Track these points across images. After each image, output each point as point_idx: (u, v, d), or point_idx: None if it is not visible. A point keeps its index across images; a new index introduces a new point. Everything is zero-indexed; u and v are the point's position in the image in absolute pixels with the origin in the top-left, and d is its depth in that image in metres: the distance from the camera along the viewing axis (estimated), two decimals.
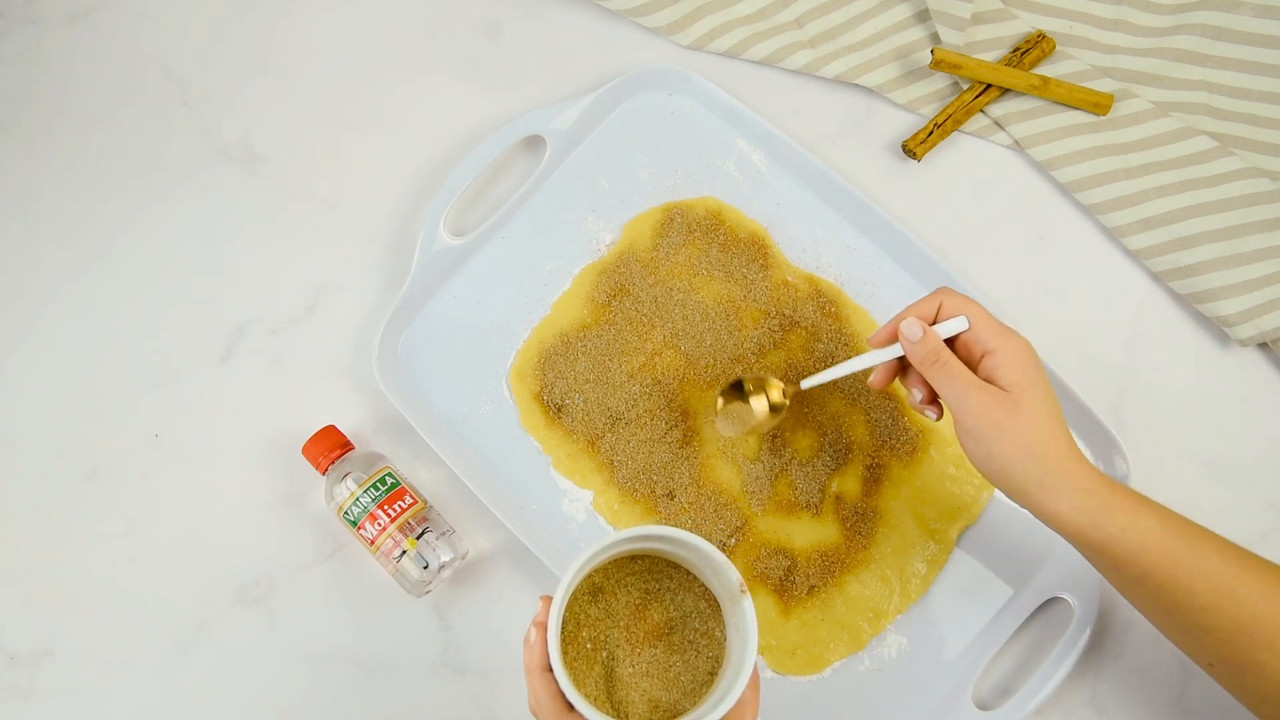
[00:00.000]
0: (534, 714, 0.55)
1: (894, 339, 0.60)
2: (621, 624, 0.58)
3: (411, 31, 0.82)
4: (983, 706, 0.68)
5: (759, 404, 0.68)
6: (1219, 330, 0.75)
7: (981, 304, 0.59)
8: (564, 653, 0.55)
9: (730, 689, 0.53)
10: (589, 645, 0.57)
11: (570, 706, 0.53)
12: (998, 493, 0.71)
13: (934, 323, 0.60)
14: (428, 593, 0.69)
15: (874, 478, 0.71)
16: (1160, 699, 0.69)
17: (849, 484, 0.71)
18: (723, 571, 0.55)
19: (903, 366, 0.63)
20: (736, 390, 0.69)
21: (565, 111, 0.77)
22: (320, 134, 0.80)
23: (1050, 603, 0.70)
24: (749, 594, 0.55)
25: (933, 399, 0.62)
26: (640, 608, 0.58)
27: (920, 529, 0.71)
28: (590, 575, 0.58)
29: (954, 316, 0.59)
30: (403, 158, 0.80)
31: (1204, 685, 0.69)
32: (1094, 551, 0.57)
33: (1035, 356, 0.58)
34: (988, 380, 0.57)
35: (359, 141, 0.80)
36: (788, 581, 0.70)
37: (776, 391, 0.68)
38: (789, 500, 0.71)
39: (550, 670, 0.53)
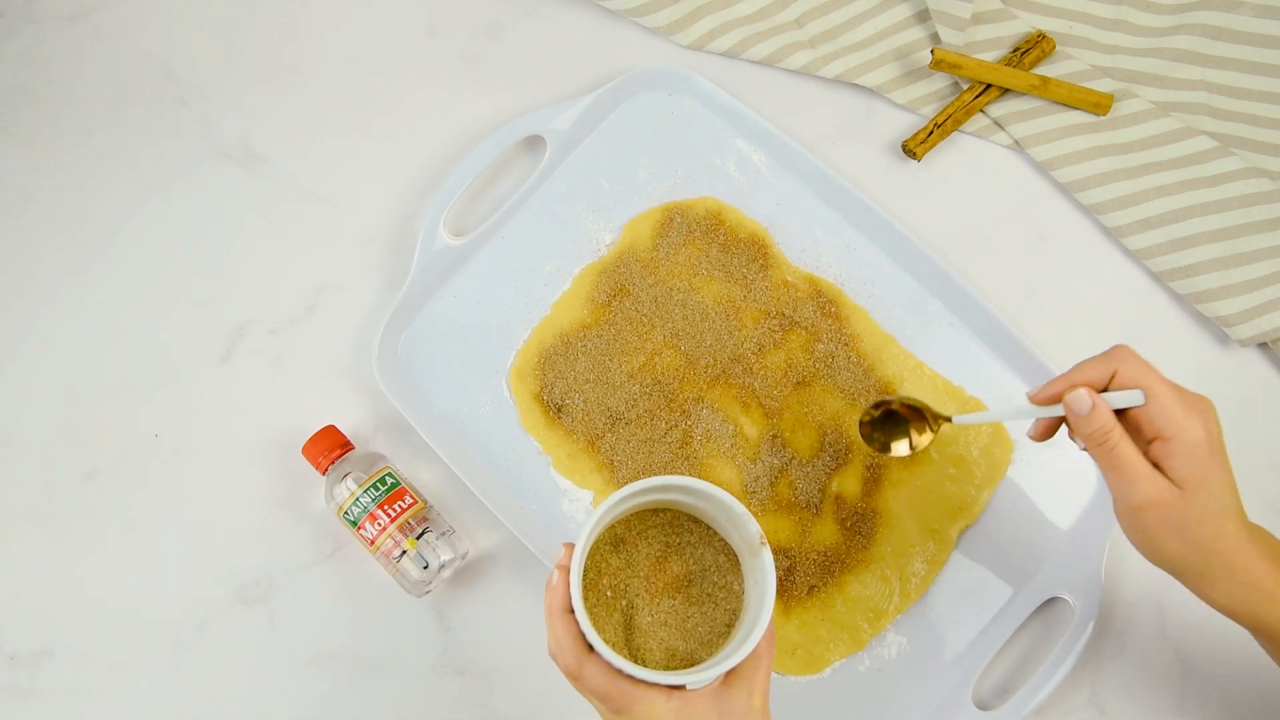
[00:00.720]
0: (553, 657, 0.55)
1: (1058, 400, 0.55)
2: (641, 574, 0.58)
3: (412, 31, 0.82)
4: (983, 706, 0.68)
5: (900, 447, 0.67)
6: (1219, 330, 0.75)
7: (1162, 374, 0.54)
8: (584, 598, 0.56)
9: (747, 639, 0.53)
10: (609, 593, 0.58)
11: (589, 649, 0.53)
12: (998, 493, 0.71)
13: (1106, 389, 0.54)
14: (428, 593, 0.69)
15: (874, 478, 0.71)
16: (1160, 699, 0.69)
17: (849, 484, 0.71)
18: (742, 524, 0.56)
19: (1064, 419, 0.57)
20: (886, 418, 0.67)
21: (565, 111, 0.77)
22: (320, 134, 0.80)
23: (1050, 603, 0.70)
24: (768, 546, 0.55)
25: (1050, 432, 0.58)
26: (660, 559, 0.59)
27: (920, 529, 0.71)
28: (612, 526, 0.59)
29: (1130, 387, 0.53)
30: (403, 157, 0.80)
31: (1204, 685, 0.69)
32: (1256, 633, 0.56)
33: (1216, 440, 0.53)
34: (1157, 464, 0.53)
35: (359, 141, 0.80)
36: (788, 581, 0.70)
37: (922, 436, 0.66)
38: (789, 500, 0.71)
39: (571, 612, 0.53)
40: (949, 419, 0.64)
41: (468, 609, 0.71)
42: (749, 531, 0.56)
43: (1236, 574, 0.54)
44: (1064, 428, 0.57)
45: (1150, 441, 0.53)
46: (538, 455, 0.72)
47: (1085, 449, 0.55)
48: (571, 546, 0.54)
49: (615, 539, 0.59)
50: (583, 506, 0.72)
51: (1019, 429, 0.72)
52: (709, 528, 0.60)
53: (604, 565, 0.58)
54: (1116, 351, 0.54)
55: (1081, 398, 0.53)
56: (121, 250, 0.78)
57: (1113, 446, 0.53)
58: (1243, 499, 0.72)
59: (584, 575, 0.56)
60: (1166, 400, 0.52)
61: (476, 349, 0.75)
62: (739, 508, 0.55)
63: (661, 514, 0.60)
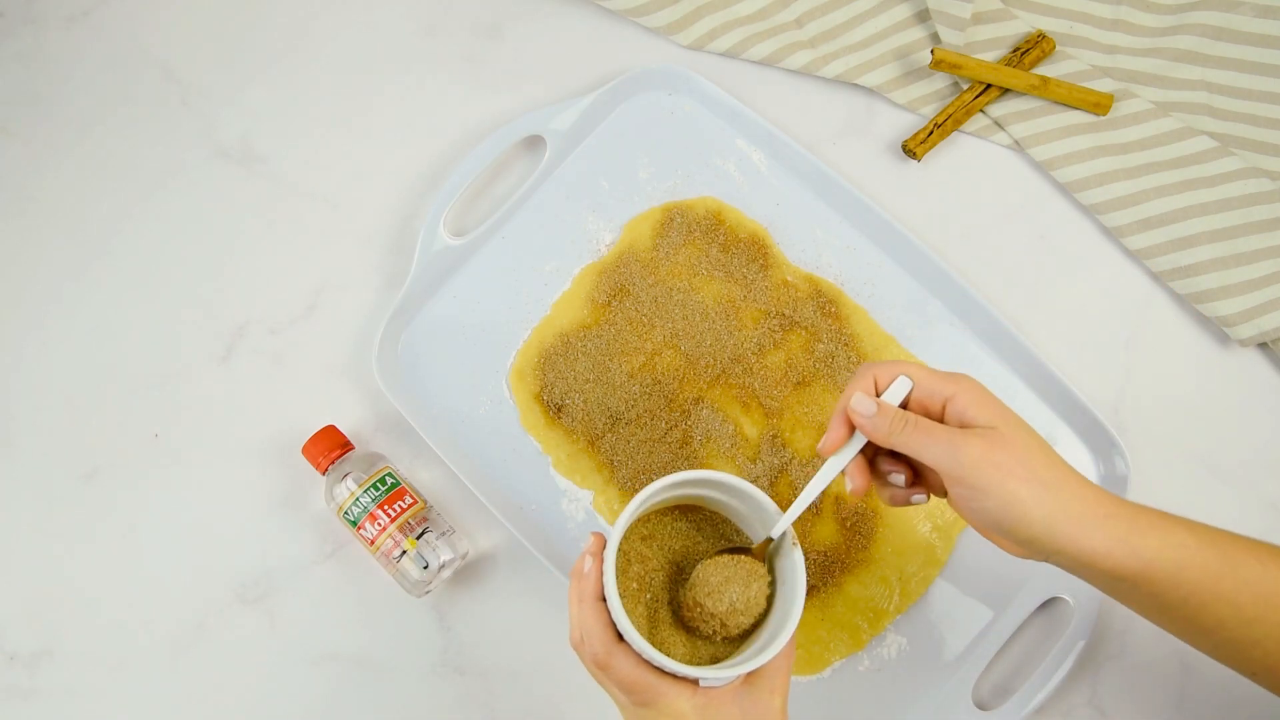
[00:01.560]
0: (578, 646, 0.54)
1: (847, 434, 0.54)
2: (668, 569, 0.58)
3: (412, 32, 0.82)
4: (983, 706, 0.68)
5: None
6: (1219, 330, 0.75)
7: (918, 360, 0.55)
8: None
9: (775, 638, 0.53)
10: (635, 585, 0.57)
11: (618, 638, 0.53)
12: None
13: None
14: (428, 593, 0.69)
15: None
16: (1160, 699, 0.69)
17: None
18: (773, 523, 0.55)
19: (872, 459, 0.56)
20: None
21: (565, 111, 0.77)
22: (320, 134, 0.80)
23: (1050, 603, 0.70)
24: (799, 546, 0.55)
25: (915, 479, 0.56)
26: (688, 554, 0.59)
27: (920, 529, 0.71)
28: (643, 519, 0.58)
29: (892, 382, 0.54)
30: (403, 158, 0.80)
31: (1204, 685, 0.69)
32: (1132, 584, 0.51)
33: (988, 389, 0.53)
34: (961, 427, 0.52)
35: (359, 141, 0.80)
36: None
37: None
38: (789, 500, 0.71)
39: (602, 600, 0.53)
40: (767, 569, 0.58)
41: (468, 609, 0.71)
42: (780, 532, 0.55)
43: (1095, 504, 0.51)
44: (885, 492, 0.56)
45: (943, 410, 0.53)
46: (538, 455, 0.72)
47: (899, 449, 0.53)
48: (601, 536, 0.54)
49: (645, 534, 0.59)
50: (583, 507, 0.72)
51: None
52: (738, 528, 0.59)
53: (633, 555, 0.57)
54: (863, 369, 0.54)
55: (861, 399, 0.53)
56: (121, 250, 0.78)
57: (916, 422, 0.52)
58: (1243, 499, 0.72)
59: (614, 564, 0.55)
60: (928, 373, 0.53)
61: (476, 349, 0.75)
62: (772, 507, 0.55)
63: (693, 512, 0.60)
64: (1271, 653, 0.53)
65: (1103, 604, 0.70)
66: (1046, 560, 0.52)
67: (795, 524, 0.70)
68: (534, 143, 0.78)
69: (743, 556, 0.56)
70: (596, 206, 0.77)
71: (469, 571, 0.72)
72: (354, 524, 0.68)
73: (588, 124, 0.78)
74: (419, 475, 0.73)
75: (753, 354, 0.73)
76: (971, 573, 0.70)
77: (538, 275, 0.76)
